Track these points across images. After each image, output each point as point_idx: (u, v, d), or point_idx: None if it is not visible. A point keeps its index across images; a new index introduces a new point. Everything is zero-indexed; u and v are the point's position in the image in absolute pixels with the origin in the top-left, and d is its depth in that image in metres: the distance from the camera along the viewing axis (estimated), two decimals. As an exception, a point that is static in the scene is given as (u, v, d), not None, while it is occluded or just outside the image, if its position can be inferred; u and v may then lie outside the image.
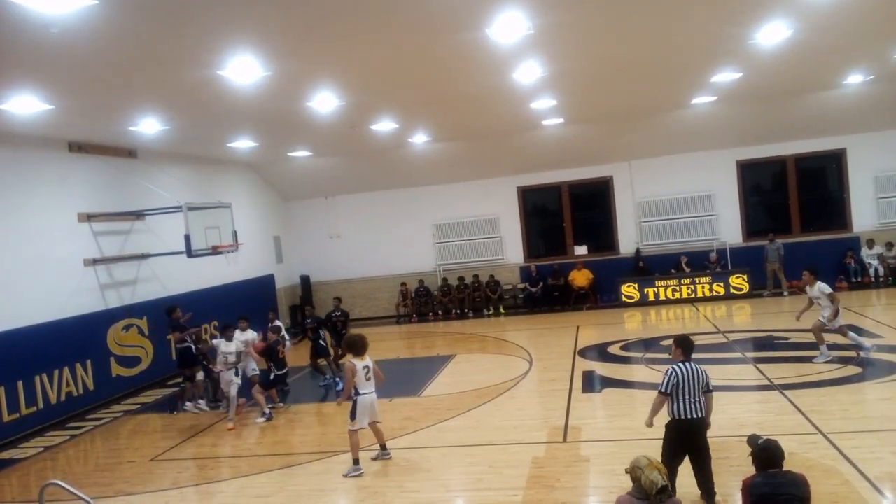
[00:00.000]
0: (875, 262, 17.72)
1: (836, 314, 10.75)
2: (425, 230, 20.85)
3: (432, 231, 20.83)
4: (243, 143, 15.56)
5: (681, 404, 6.20)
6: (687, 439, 6.22)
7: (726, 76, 13.05)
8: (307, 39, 8.08)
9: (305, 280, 21.36)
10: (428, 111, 14.09)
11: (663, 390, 6.28)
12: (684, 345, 6.44)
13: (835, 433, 7.75)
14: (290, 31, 7.70)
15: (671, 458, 6.10)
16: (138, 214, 14.32)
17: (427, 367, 13.52)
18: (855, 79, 15.15)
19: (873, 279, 17.63)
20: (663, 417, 6.42)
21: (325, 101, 11.44)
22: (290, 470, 8.53)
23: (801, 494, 4.61)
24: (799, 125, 17.85)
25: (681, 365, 6.29)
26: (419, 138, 17.64)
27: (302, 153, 18.32)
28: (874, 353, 10.97)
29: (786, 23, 9.42)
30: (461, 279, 20.27)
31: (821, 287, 11.04)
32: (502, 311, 19.79)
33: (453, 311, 20.15)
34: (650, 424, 6.55)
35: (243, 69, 8.76)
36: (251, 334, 11.99)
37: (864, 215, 18.43)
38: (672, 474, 5.99)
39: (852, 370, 10.44)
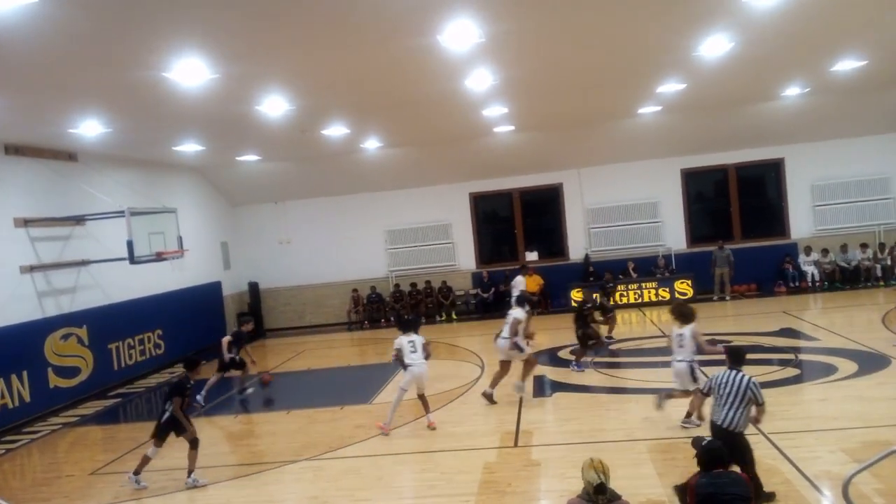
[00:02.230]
0: (812, 268, 18.45)
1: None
2: (377, 236, 20.75)
3: (384, 237, 20.74)
4: (190, 147, 15.20)
5: (716, 408, 6.30)
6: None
7: (671, 87, 13.43)
8: (256, 42, 7.96)
9: (254, 287, 20.98)
10: (380, 117, 14.05)
11: (702, 389, 6.75)
12: (731, 354, 6.56)
13: (775, 433, 8.01)
14: (238, 33, 7.57)
15: None
16: (78, 219, 13.81)
17: (379, 374, 13.42)
18: (793, 91, 15.78)
19: (810, 284, 18.34)
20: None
21: (274, 105, 11.27)
22: (239, 481, 8.34)
23: (743, 494, 4.74)
24: (740, 135, 18.48)
25: (725, 372, 6.37)
26: (371, 144, 17.56)
27: (251, 157, 18.01)
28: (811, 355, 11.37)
29: (727, 36, 9.75)
30: (413, 285, 20.24)
31: None
32: (454, 316, 19.84)
33: (405, 316, 20.05)
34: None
35: (190, 71, 8.56)
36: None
37: (801, 223, 19.18)
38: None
39: (792, 372, 10.83)
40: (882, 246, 18.26)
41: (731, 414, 6.16)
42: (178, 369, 16.20)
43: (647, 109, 16.39)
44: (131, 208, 12.92)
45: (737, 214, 19.71)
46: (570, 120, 16.87)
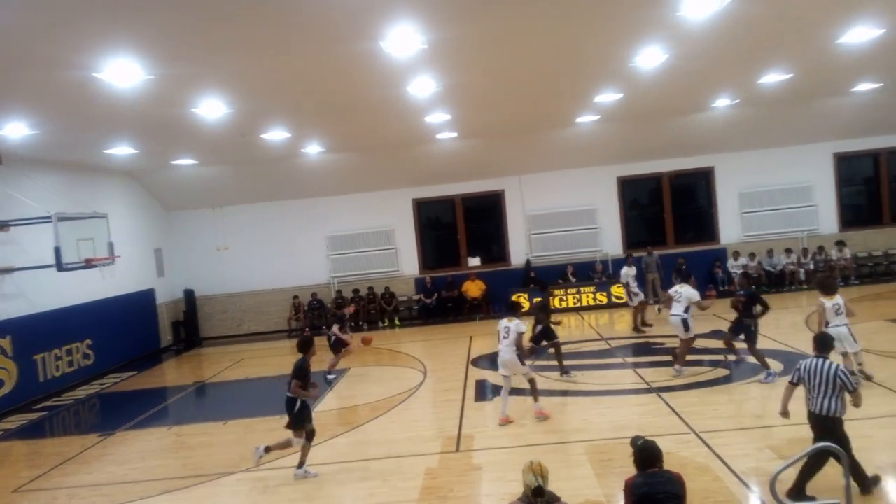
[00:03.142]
0: (738, 272, 19.19)
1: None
2: (319, 242, 20.50)
3: (326, 243, 20.51)
4: (122, 150, 14.66)
5: (809, 398, 6.34)
6: (815, 430, 6.32)
7: (609, 96, 13.79)
8: (194, 43, 7.76)
9: (189, 295, 20.38)
10: (322, 121, 13.91)
11: (792, 380, 6.54)
12: (817, 341, 6.64)
13: (706, 432, 8.30)
14: (173, 34, 7.36)
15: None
16: (2, 225, 13.14)
17: (319, 381, 13.22)
18: (723, 102, 16.44)
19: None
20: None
21: (212, 108, 11.01)
22: (173, 495, 8.08)
23: (676, 492, 4.89)
24: (673, 144, 19.13)
25: (812, 360, 6.41)
26: (313, 148, 17.36)
27: (187, 161, 17.53)
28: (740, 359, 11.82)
29: (662, 48, 10.09)
30: (356, 291, 20.08)
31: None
32: (397, 322, 19.78)
33: (348, 323, 19.86)
34: (782, 413, 6.74)
35: (122, 72, 8.28)
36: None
37: (730, 229, 19.97)
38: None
39: (722, 372, 11.24)
40: (805, 251, 19.20)
41: (825, 402, 6.21)
42: (109, 380, 15.63)
43: (586, 118, 16.79)
44: (59, 213, 12.39)
45: (670, 220, 20.38)
46: (512, 127, 17.13)
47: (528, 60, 10.25)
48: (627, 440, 5.49)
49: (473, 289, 19.67)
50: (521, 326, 9.49)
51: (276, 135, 14.46)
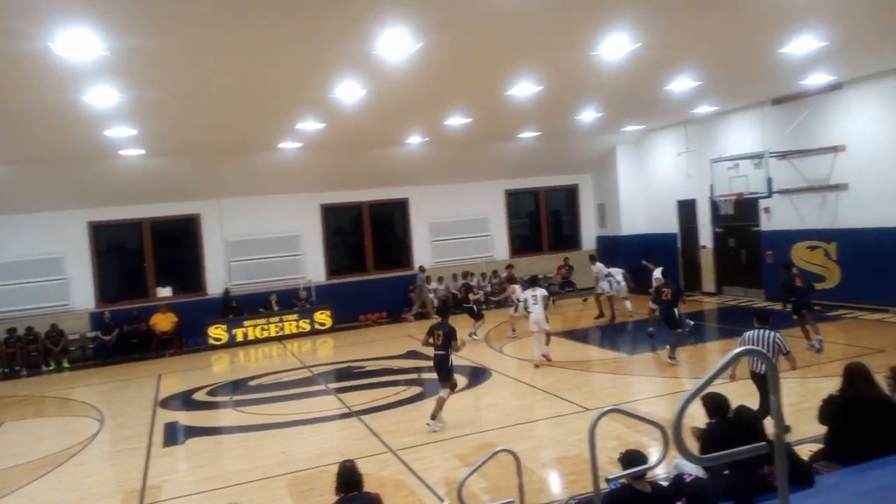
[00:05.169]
0: (431, 295, 20.77)
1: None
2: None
3: (-29, 272, 16.94)
4: None
5: (751, 361, 7.88)
6: (759, 385, 7.80)
7: (311, 125, 13.87)
8: None
9: None
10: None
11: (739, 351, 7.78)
12: (757, 315, 8.26)
13: (402, 449, 8.67)
14: None
15: None
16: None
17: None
18: (415, 139, 17.74)
19: (433, 310, 20.61)
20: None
21: None
22: None
23: (373, 515, 4.97)
24: (373, 175, 20.03)
25: (754, 331, 7.96)
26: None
27: None
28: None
29: (360, 83, 10.48)
30: (11, 331, 16.84)
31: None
32: (66, 364, 17.08)
33: (1, 370, 16.64)
34: (732, 377, 7.73)
35: None
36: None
37: (422, 255, 21.51)
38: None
39: (416, 390, 11.91)
40: (484, 275, 21.56)
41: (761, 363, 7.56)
42: None
43: (289, 144, 16.66)
44: None
45: (370, 247, 21.23)
46: (209, 148, 16.18)
47: (225, 81, 9.80)
48: (329, 467, 5.43)
49: (164, 322, 17.97)
50: (544, 292, 12.78)
51: None
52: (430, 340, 9.58)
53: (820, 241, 15.74)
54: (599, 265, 17.49)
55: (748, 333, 8.07)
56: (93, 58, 7.80)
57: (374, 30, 7.78)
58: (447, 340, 9.41)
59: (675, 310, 12.07)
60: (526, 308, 12.93)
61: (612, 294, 17.12)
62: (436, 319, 9.98)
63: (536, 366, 12.46)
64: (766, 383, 7.67)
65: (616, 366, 12.60)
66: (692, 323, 14.01)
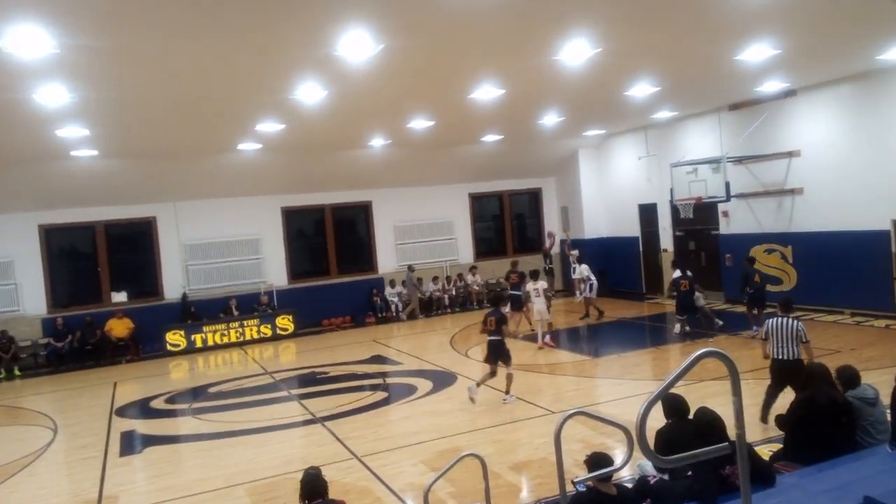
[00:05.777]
0: (395, 300, 20.69)
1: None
2: None
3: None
4: None
5: (776, 348, 7.93)
6: (780, 374, 7.94)
7: (270, 126, 13.64)
8: None
9: None
10: None
11: (762, 336, 8.42)
12: (782, 304, 8.42)
13: (367, 455, 8.57)
14: None
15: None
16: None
17: None
18: (378, 141, 17.61)
19: (394, 314, 20.53)
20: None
21: None
22: None
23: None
24: (335, 177, 19.82)
25: (777, 319, 8.01)
26: None
27: None
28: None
29: (321, 84, 10.34)
30: (-42, 337, 16.25)
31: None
32: (17, 372, 16.49)
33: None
34: (766, 356, 8.26)
35: None
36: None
37: (386, 259, 21.38)
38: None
39: (381, 395, 11.82)
40: (449, 279, 21.52)
41: (789, 349, 7.81)
42: None
43: (248, 146, 16.36)
44: None
45: (333, 251, 21.00)
46: (166, 149, 15.76)
47: (181, 80, 9.54)
48: (293, 475, 5.33)
49: (119, 328, 17.49)
50: (544, 285, 14.31)
51: None
52: (484, 327, 10.64)
53: (777, 245, 16.13)
54: (584, 266, 17.56)
55: (770, 321, 8.14)
56: (43, 55, 7.53)
57: (335, 30, 7.68)
58: (499, 326, 10.40)
59: (693, 297, 14.04)
60: (529, 300, 14.56)
61: (590, 297, 17.42)
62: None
63: (539, 347, 14.11)
64: (795, 374, 7.69)
65: (581, 368, 12.70)
66: (721, 322, 14.23)
